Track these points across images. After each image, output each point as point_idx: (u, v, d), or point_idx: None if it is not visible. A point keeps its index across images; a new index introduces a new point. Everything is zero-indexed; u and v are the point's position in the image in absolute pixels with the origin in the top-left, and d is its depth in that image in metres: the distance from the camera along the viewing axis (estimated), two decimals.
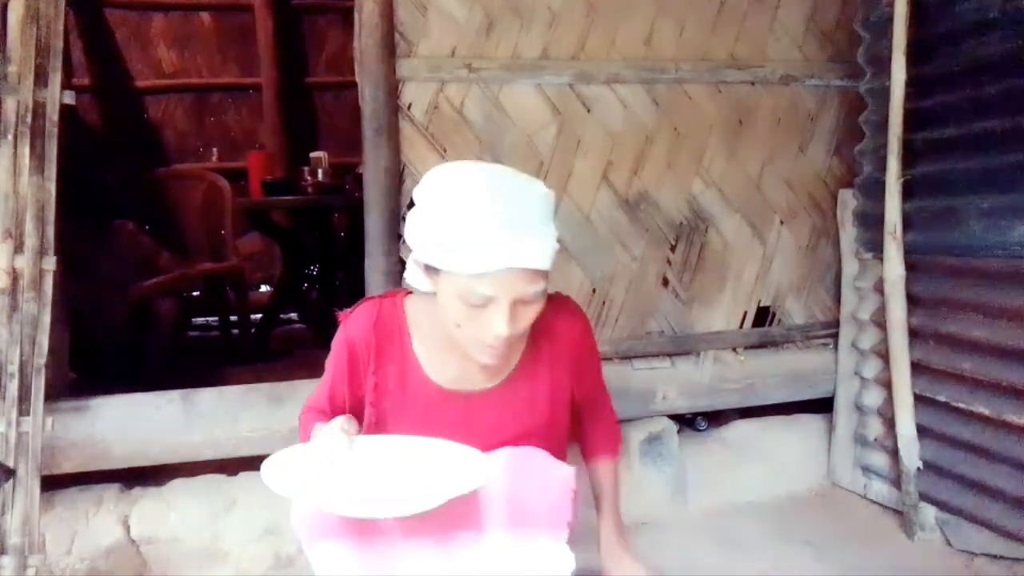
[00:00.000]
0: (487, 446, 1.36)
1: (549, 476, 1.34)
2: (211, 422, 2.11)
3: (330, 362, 1.47)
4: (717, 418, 2.60)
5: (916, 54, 2.11)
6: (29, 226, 1.87)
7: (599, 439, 1.61)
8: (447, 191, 1.24)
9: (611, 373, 2.35)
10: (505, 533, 1.30)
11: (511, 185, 1.24)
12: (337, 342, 1.44)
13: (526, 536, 1.30)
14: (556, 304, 1.44)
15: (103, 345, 2.84)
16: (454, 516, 1.28)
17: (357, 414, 1.44)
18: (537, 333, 1.40)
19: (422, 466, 1.31)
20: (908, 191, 2.14)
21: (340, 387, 1.45)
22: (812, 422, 2.61)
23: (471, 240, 1.18)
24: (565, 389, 1.48)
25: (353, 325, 1.42)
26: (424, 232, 1.25)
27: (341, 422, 1.34)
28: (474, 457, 1.30)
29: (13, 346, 1.84)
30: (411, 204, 1.33)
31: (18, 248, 1.86)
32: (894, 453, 2.21)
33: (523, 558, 1.29)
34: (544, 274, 1.24)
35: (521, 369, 1.42)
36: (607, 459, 1.60)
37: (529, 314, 1.27)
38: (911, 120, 2.12)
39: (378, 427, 1.41)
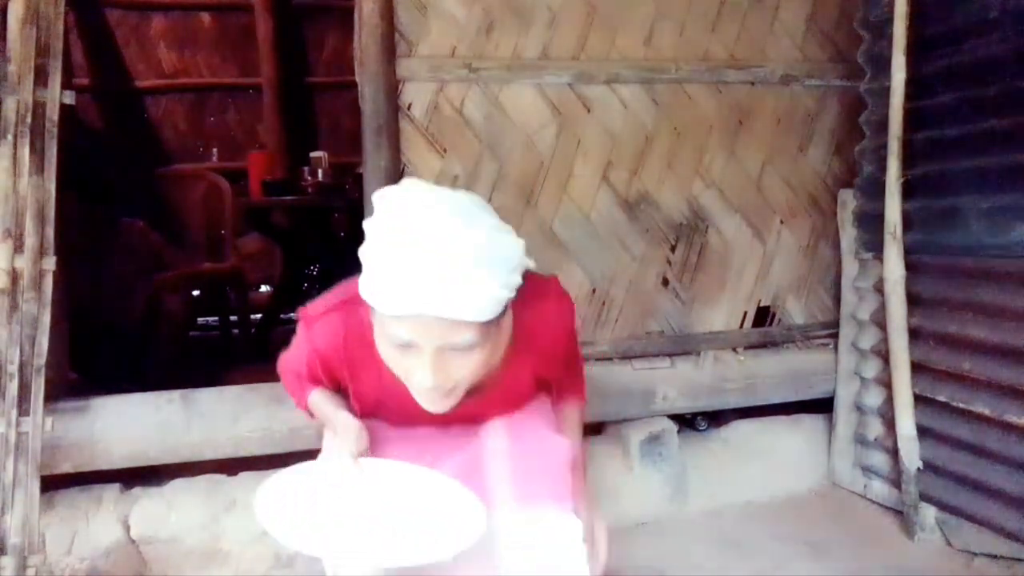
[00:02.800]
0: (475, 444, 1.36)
1: (547, 445, 1.34)
2: (211, 422, 2.10)
3: (301, 358, 1.42)
4: (717, 418, 2.60)
5: (916, 54, 2.11)
6: (29, 226, 1.87)
7: (564, 386, 1.54)
8: (378, 221, 1.11)
9: (611, 373, 2.38)
10: (512, 507, 1.28)
11: (445, 225, 1.07)
12: (303, 347, 1.39)
13: (533, 508, 1.28)
14: (537, 292, 1.31)
15: (112, 340, 2.83)
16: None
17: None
18: (517, 327, 1.30)
19: (424, 512, 1.24)
20: (908, 191, 2.14)
21: (318, 379, 1.43)
22: (812, 422, 2.61)
23: (388, 279, 1.07)
24: (546, 374, 1.44)
25: (321, 340, 1.36)
26: (362, 259, 1.14)
27: (353, 442, 1.29)
28: (477, 508, 1.23)
29: (13, 346, 1.84)
30: None
31: (18, 248, 1.86)
32: (894, 453, 2.21)
33: (532, 531, 1.27)
34: (475, 325, 1.10)
35: (502, 368, 1.34)
36: (572, 402, 1.55)
37: (465, 364, 1.14)
38: (911, 120, 2.12)
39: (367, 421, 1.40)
